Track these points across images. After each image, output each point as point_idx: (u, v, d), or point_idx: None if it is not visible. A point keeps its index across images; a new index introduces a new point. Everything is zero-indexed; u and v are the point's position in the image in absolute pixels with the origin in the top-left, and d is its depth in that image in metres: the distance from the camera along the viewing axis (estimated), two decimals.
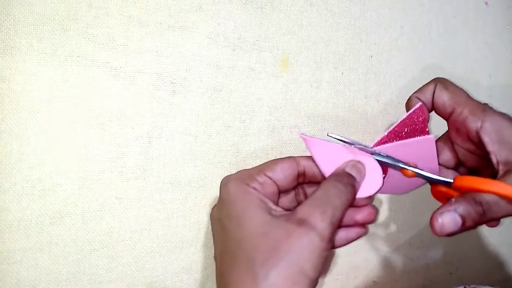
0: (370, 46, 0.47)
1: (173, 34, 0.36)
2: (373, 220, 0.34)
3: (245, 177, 0.31)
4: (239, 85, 0.39)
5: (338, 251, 0.45)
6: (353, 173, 0.32)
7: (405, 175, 0.32)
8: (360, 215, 0.33)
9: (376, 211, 0.34)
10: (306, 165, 0.33)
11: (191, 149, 0.38)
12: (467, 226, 0.30)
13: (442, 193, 0.33)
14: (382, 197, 0.48)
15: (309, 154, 0.33)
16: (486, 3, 0.55)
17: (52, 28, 0.33)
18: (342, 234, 0.33)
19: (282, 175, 0.32)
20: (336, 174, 0.32)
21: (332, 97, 0.45)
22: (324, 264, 0.28)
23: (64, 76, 0.33)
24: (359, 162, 0.32)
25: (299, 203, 0.35)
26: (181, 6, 0.36)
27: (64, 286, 0.34)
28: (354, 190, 0.31)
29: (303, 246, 0.26)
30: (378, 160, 0.32)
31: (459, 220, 0.29)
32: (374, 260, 0.48)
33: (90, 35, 0.34)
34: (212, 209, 0.33)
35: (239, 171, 0.33)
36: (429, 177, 0.32)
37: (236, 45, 0.39)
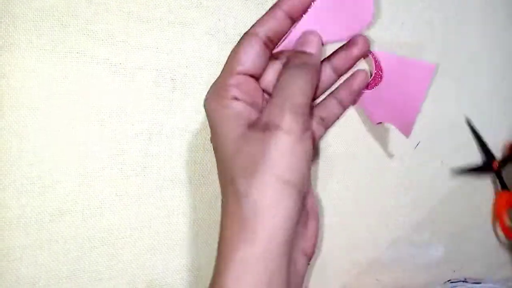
0: (370, 43, 0.47)
1: (173, 30, 0.36)
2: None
3: (219, 89, 0.29)
4: None
5: (339, 248, 0.45)
6: (308, 49, 0.30)
7: None
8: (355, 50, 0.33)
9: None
10: (264, 31, 0.30)
11: (191, 146, 0.37)
12: None
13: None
14: (380, 193, 0.48)
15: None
16: None
17: (51, 24, 0.32)
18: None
19: (250, 60, 0.29)
20: (290, 59, 0.30)
21: None
22: (305, 164, 0.26)
23: (64, 72, 0.33)
24: (309, 32, 0.31)
25: (322, 124, 0.36)
26: (181, 2, 0.36)
27: (64, 284, 0.34)
28: (314, 68, 0.29)
29: (274, 151, 0.25)
30: None
31: None
32: (375, 257, 0.48)
33: (90, 31, 0.33)
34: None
35: (214, 82, 0.31)
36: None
37: (236, 41, 0.38)
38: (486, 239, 0.55)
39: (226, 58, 0.38)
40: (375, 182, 0.46)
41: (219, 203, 0.38)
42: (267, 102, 0.30)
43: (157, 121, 0.36)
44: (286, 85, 0.27)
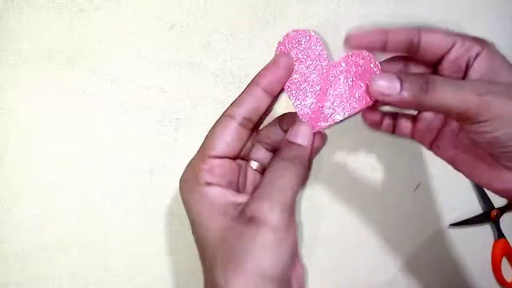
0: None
1: (179, 70, 0.36)
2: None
3: (191, 175, 0.28)
4: None
5: (352, 252, 0.45)
6: (300, 140, 0.29)
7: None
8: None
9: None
10: (242, 112, 0.28)
11: None
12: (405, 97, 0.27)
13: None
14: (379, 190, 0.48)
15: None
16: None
17: (59, 62, 0.33)
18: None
19: (225, 144, 0.28)
20: (282, 150, 0.29)
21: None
22: (291, 255, 0.26)
23: (69, 110, 0.33)
24: (302, 123, 0.29)
25: (272, 150, 0.32)
26: (189, 43, 0.36)
27: None
28: (304, 162, 0.28)
29: (257, 246, 0.24)
30: None
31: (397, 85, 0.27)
32: (390, 261, 0.47)
33: (97, 70, 0.34)
34: None
35: (187, 165, 0.29)
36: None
37: (242, 82, 0.39)
38: (487, 285, 0.54)
39: (231, 99, 0.38)
40: (373, 224, 0.46)
41: None
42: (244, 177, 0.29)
43: (160, 159, 0.36)
44: (276, 178, 0.27)
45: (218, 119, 0.28)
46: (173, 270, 0.37)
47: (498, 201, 0.52)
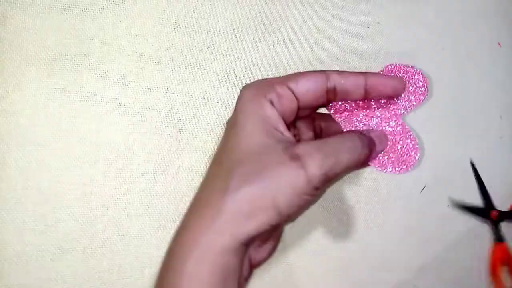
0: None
1: (183, 71, 0.36)
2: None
3: (264, 86, 0.28)
4: None
5: (375, 249, 0.44)
6: (376, 141, 0.30)
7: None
8: None
9: None
10: (337, 81, 0.29)
11: (196, 187, 0.37)
12: None
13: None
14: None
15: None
16: (499, 44, 0.55)
17: (63, 63, 0.33)
18: None
19: (306, 88, 0.28)
20: (360, 132, 0.30)
21: None
22: (302, 209, 0.26)
23: (73, 111, 0.33)
24: (384, 133, 0.31)
25: (314, 130, 0.33)
26: (193, 44, 0.36)
27: None
28: (369, 155, 0.29)
29: (286, 180, 0.25)
30: None
31: None
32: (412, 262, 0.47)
33: (101, 71, 0.34)
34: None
35: (261, 79, 0.30)
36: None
37: (246, 83, 0.39)
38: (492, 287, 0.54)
39: (235, 100, 0.38)
40: (379, 225, 0.46)
41: None
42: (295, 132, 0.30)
43: (163, 161, 0.36)
44: (344, 147, 0.27)
45: (315, 71, 0.29)
46: None
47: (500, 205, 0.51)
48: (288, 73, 0.40)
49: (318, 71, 0.29)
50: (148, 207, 0.36)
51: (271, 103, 0.28)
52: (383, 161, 0.31)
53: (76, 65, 0.33)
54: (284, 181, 0.25)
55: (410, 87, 0.32)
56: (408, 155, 0.31)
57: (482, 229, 0.51)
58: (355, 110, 0.32)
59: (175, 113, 0.36)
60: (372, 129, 0.31)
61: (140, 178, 0.35)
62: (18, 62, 0.31)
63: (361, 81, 0.29)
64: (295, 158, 0.25)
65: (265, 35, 0.39)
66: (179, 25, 0.36)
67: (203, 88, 0.37)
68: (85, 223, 0.34)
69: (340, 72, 0.29)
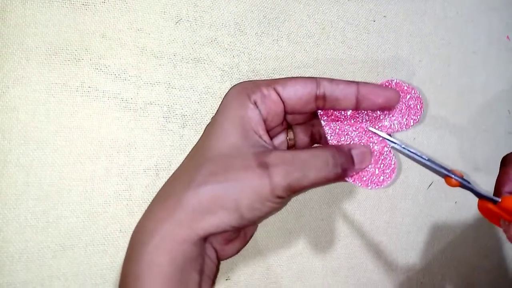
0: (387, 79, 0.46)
1: (186, 66, 0.36)
2: None
3: (249, 86, 0.28)
4: None
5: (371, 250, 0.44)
6: (356, 159, 0.29)
7: (449, 184, 0.30)
8: None
9: None
10: (327, 88, 0.28)
11: None
12: None
13: (492, 211, 0.31)
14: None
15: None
16: (508, 37, 0.54)
17: (64, 58, 0.32)
18: None
19: (293, 92, 0.28)
20: (338, 148, 0.29)
21: None
22: (265, 215, 0.27)
23: (74, 107, 0.33)
24: (369, 151, 0.30)
25: (312, 136, 0.33)
26: (196, 38, 0.36)
27: None
28: (342, 175, 0.28)
29: (250, 185, 0.25)
30: (414, 158, 0.30)
31: None
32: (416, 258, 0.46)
33: (102, 66, 0.33)
34: None
35: (249, 80, 0.29)
36: (477, 191, 0.30)
37: (249, 78, 0.38)
38: (499, 283, 0.53)
39: None
40: (386, 222, 0.45)
41: None
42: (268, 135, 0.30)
43: (166, 156, 0.35)
44: (314, 165, 0.27)
45: (306, 77, 0.29)
46: None
47: None
48: (292, 65, 0.40)
49: (309, 77, 0.29)
50: None
51: (255, 104, 0.28)
52: (358, 177, 0.30)
53: (77, 60, 0.32)
54: (248, 186, 0.25)
55: (403, 107, 0.31)
56: (385, 174, 0.30)
57: (488, 227, 0.51)
58: (345, 121, 0.31)
59: (178, 109, 0.36)
60: (358, 144, 0.30)
61: (142, 174, 0.35)
62: (18, 57, 0.31)
63: (352, 89, 0.28)
64: (263, 165, 0.26)
65: (269, 29, 0.39)
66: (182, 19, 0.35)
67: (206, 83, 0.36)
68: (87, 220, 0.33)
69: (331, 80, 0.29)
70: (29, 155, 0.32)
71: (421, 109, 0.31)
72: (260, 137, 0.28)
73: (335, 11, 0.42)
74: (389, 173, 0.30)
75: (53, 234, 0.32)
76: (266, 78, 0.32)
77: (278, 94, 0.28)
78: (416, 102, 0.31)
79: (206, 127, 0.29)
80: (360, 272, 0.44)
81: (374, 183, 0.30)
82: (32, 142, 0.32)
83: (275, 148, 0.28)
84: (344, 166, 0.28)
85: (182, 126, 0.36)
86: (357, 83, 0.29)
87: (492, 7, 0.52)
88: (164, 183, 0.29)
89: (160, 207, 0.27)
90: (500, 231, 0.52)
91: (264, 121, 0.28)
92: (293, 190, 0.26)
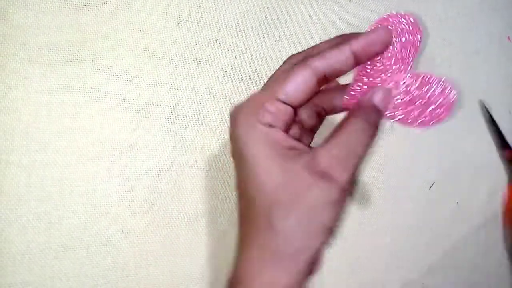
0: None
1: (188, 66, 0.36)
2: None
3: (254, 109, 0.27)
4: None
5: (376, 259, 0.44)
6: (381, 105, 0.29)
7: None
8: None
9: None
10: (322, 67, 0.28)
11: (200, 183, 0.37)
12: None
13: None
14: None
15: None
16: (509, 38, 0.54)
17: (66, 59, 0.32)
18: None
19: (295, 93, 0.28)
20: (363, 110, 0.28)
21: None
22: (343, 214, 0.27)
23: (76, 107, 0.33)
24: (388, 90, 0.29)
25: (318, 116, 0.32)
26: (198, 39, 0.36)
27: None
28: (378, 125, 0.28)
29: (323, 200, 0.25)
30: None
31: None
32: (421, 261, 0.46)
33: (104, 67, 0.33)
34: (229, 132, 0.30)
35: (248, 99, 0.28)
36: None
37: (251, 79, 0.38)
38: (500, 284, 0.53)
39: (240, 96, 0.38)
40: (388, 222, 0.45)
41: (227, 242, 0.38)
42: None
43: (168, 157, 0.35)
44: (354, 140, 0.27)
45: (296, 66, 0.27)
46: (181, 270, 0.36)
47: None
48: None
49: (300, 65, 0.28)
50: (153, 204, 0.35)
51: (269, 125, 0.27)
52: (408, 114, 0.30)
53: (79, 61, 0.32)
54: (322, 201, 0.25)
55: (403, 38, 0.30)
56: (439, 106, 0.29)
57: (492, 225, 0.51)
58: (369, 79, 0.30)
59: (180, 109, 0.36)
60: (373, 90, 0.29)
61: (144, 175, 0.35)
62: (20, 58, 0.31)
63: (346, 53, 0.28)
64: (323, 175, 0.26)
65: (270, 30, 0.39)
66: (183, 19, 0.35)
67: (208, 83, 0.36)
68: (89, 221, 0.33)
69: (321, 56, 0.27)
70: (31, 156, 0.32)
71: (418, 27, 0.30)
72: (293, 148, 0.27)
73: (336, 12, 0.42)
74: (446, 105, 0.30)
75: (55, 235, 0.32)
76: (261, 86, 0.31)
77: (284, 102, 0.27)
78: (408, 23, 0.30)
79: (238, 166, 0.28)
80: (362, 272, 0.44)
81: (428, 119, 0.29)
82: (34, 143, 0.32)
83: (309, 147, 0.28)
84: (378, 120, 0.28)
85: (184, 127, 0.36)
86: (348, 42, 0.28)
87: (493, 8, 0.52)
88: (239, 234, 0.28)
89: (251, 262, 0.26)
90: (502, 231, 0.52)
91: (285, 130, 0.28)
92: (354, 175, 0.26)
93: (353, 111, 0.29)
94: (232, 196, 0.38)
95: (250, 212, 0.27)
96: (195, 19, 0.36)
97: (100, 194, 0.34)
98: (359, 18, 0.43)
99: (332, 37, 0.41)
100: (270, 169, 0.26)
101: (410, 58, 0.30)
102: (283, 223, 0.25)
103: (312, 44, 0.41)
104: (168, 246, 0.36)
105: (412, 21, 0.30)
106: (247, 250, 0.27)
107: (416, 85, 0.30)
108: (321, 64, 0.27)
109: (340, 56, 0.27)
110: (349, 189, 0.26)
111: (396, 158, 0.45)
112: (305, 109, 0.32)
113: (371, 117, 0.28)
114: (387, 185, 0.45)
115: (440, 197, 0.48)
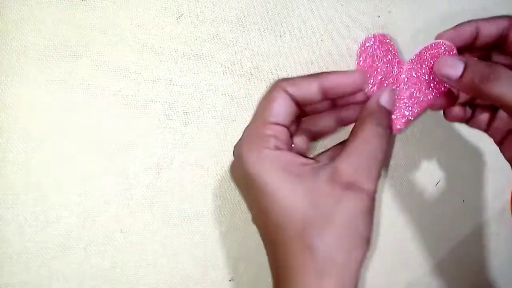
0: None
1: (187, 62, 0.35)
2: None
3: (255, 141, 0.28)
4: None
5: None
6: (389, 105, 0.30)
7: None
8: None
9: None
10: (294, 93, 0.29)
11: (201, 182, 0.36)
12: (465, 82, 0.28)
13: None
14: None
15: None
16: None
17: (63, 54, 0.32)
18: None
19: (284, 112, 0.29)
20: (373, 114, 0.29)
21: None
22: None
23: (73, 104, 0.32)
24: (392, 90, 0.31)
25: (312, 138, 0.33)
26: (197, 34, 0.35)
27: None
28: (389, 126, 0.29)
29: (355, 211, 0.26)
30: None
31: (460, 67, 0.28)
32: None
33: (102, 62, 0.33)
34: (232, 173, 0.31)
35: (245, 133, 0.29)
36: None
37: (252, 74, 0.37)
38: (507, 284, 0.52)
39: (241, 92, 0.37)
40: (393, 221, 0.44)
41: (228, 242, 0.37)
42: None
43: (167, 155, 0.35)
44: (373, 146, 0.27)
45: (271, 90, 0.29)
46: (181, 270, 0.36)
47: None
48: (296, 62, 0.39)
49: (275, 87, 0.29)
50: (152, 203, 0.35)
51: (278, 148, 0.27)
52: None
53: (76, 57, 0.32)
54: (354, 212, 0.25)
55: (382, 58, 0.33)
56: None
57: (498, 223, 0.50)
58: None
59: (179, 106, 0.35)
60: (377, 92, 0.31)
61: (143, 173, 0.34)
62: (16, 54, 0.30)
63: (313, 86, 0.29)
64: (349, 186, 0.26)
65: (272, 25, 0.38)
66: (183, 14, 0.34)
67: (208, 79, 0.36)
68: (87, 220, 0.33)
69: (292, 82, 0.29)
70: (28, 154, 0.31)
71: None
72: (306, 164, 0.27)
73: (339, 7, 0.41)
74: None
75: (52, 234, 0.32)
76: (254, 114, 0.31)
77: (279, 124, 0.28)
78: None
79: (262, 201, 0.27)
80: (364, 272, 0.44)
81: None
82: (31, 140, 0.31)
83: (324, 160, 0.29)
84: (389, 120, 0.29)
85: (184, 123, 0.35)
86: (318, 77, 0.29)
87: (500, 2, 0.51)
88: (275, 266, 0.28)
89: (293, 285, 0.25)
90: (509, 230, 0.51)
91: (298, 150, 0.29)
92: (379, 179, 0.27)
93: (363, 118, 0.29)
94: (233, 195, 0.37)
95: (279, 239, 0.26)
96: (195, 13, 0.35)
97: (98, 193, 0.33)
98: (362, 13, 0.43)
99: (333, 32, 0.41)
100: (292, 191, 0.26)
101: (395, 60, 0.32)
102: (321, 242, 0.25)
103: (314, 39, 0.40)
104: (168, 246, 0.35)
105: (380, 37, 0.32)
106: (289, 280, 0.26)
107: (415, 65, 0.31)
108: (292, 90, 0.29)
109: (308, 87, 0.29)
110: (375, 196, 0.26)
111: (401, 155, 0.44)
112: (296, 136, 0.32)
113: (383, 120, 0.28)
114: (392, 182, 0.44)
115: (445, 195, 0.47)
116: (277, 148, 0.27)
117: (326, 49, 0.41)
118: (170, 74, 0.34)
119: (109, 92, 0.33)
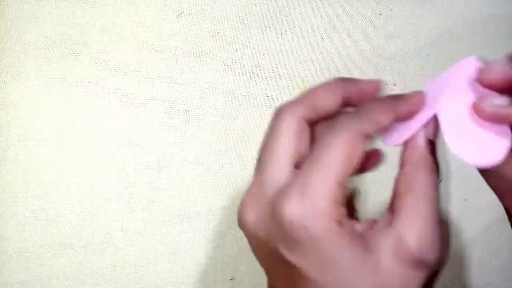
0: (394, 74, 0.45)
1: (188, 60, 0.35)
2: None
3: (325, 207, 0.21)
4: (254, 114, 0.38)
5: None
6: (420, 143, 0.25)
7: None
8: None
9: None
10: (372, 131, 0.24)
11: (202, 180, 0.36)
12: None
13: None
14: None
15: None
16: None
17: (63, 52, 0.31)
18: None
19: (350, 168, 0.23)
20: (423, 159, 0.25)
21: None
22: None
23: (73, 102, 0.32)
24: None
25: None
26: (198, 32, 0.35)
27: None
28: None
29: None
30: None
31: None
32: None
33: (102, 60, 0.32)
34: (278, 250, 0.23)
35: (299, 201, 0.21)
36: None
37: (253, 72, 0.37)
38: (510, 282, 0.52)
39: (242, 90, 0.37)
40: None
41: (228, 241, 0.37)
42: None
43: (168, 153, 0.35)
44: (431, 201, 0.23)
45: (338, 129, 0.23)
46: (181, 269, 0.36)
47: None
48: (297, 60, 0.39)
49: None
50: (152, 201, 0.34)
51: (343, 217, 0.22)
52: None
53: (76, 54, 0.32)
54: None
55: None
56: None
57: (501, 222, 0.50)
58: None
59: (180, 104, 0.35)
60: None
61: (143, 171, 0.34)
62: (16, 52, 0.30)
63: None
64: (417, 264, 0.22)
65: (273, 23, 0.38)
66: (183, 12, 0.34)
67: (208, 77, 0.36)
68: (87, 218, 0.33)
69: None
70: (28, 152, 0.31)
71: None
72: (368, 229, 0.23)
73: (340, 4, 0.41)
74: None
75: (52, 232, 0.32)
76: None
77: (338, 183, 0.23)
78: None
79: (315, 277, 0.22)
80: None
81: None
82: (31, 138, 0.31)
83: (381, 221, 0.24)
84: (434, 159, 0.25)
85: (184, 122, 0.35)
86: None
87: (499, 2, 0.51)
88: None
89: None
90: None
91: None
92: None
93: (413, 167, 0.25)
94: (235, 194, 0.37)
95: None
96: (195, 11, 0.35)
97: (98, 191, 0.33)
98: (363, 11, 0.42)
99: (334, 30, 0.41)
100: (359, 271, 0.22)
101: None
102: None
103: (316, 37, 0.40)
104: (168, 244, 0.35)
105: None
106: None
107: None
108: (366, 128, 0.24)
109: (379, 121, 0.25)
110: None
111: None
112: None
113: (429, 160, 0.25)
114: (392, 182, 0.44)
115: (448, 194, 0.47)
116: (343, 217, 0.22)
117: (327, 47, 0.41)
118: (170, 72, 0.34)
119: (109, 90, 0.33)
